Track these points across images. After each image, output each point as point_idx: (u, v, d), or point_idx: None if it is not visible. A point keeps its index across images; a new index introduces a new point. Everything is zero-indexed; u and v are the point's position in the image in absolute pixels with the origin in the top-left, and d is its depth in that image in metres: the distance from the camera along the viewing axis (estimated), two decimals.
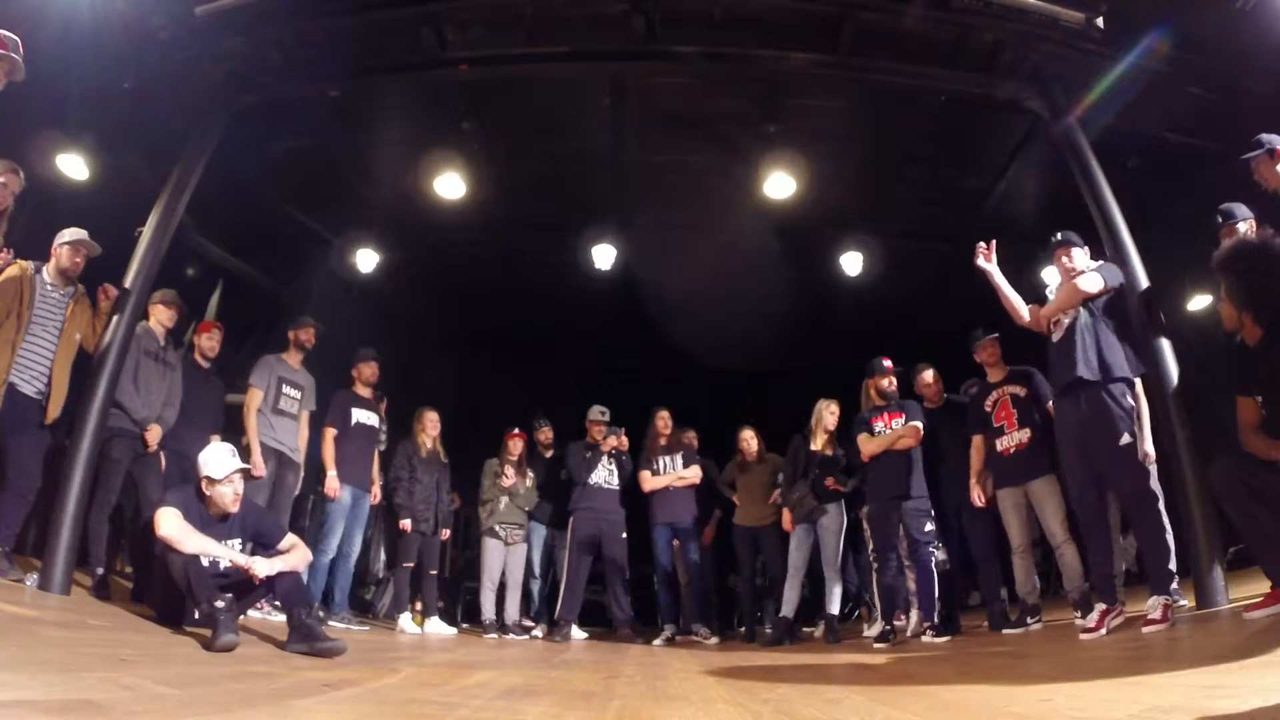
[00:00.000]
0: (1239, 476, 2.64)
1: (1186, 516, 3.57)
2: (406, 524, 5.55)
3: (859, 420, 4.90)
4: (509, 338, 9.05)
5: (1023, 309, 3.88)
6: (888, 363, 4.91)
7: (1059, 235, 3.81)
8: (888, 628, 4.55)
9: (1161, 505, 3.45)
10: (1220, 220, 3.44)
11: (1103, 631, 3.25)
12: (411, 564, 5.63)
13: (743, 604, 5.99)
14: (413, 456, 5.69)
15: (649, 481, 5.82)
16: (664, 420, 5.95)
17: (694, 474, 5.84)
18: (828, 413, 5.29)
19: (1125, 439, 3.36)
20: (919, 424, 4.67)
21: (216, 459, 3.36)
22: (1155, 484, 3.53)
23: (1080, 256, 3.72)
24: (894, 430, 4.70)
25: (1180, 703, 1.62)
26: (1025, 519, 4.24)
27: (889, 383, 4.85)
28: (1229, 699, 1.57)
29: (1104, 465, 3.40)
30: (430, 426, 5.79)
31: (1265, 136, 3.31)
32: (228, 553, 3.21)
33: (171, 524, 3.09)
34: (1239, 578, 3.60)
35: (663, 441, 5.91)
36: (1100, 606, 3.35)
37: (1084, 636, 3.27)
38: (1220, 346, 2.87)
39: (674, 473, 5.83)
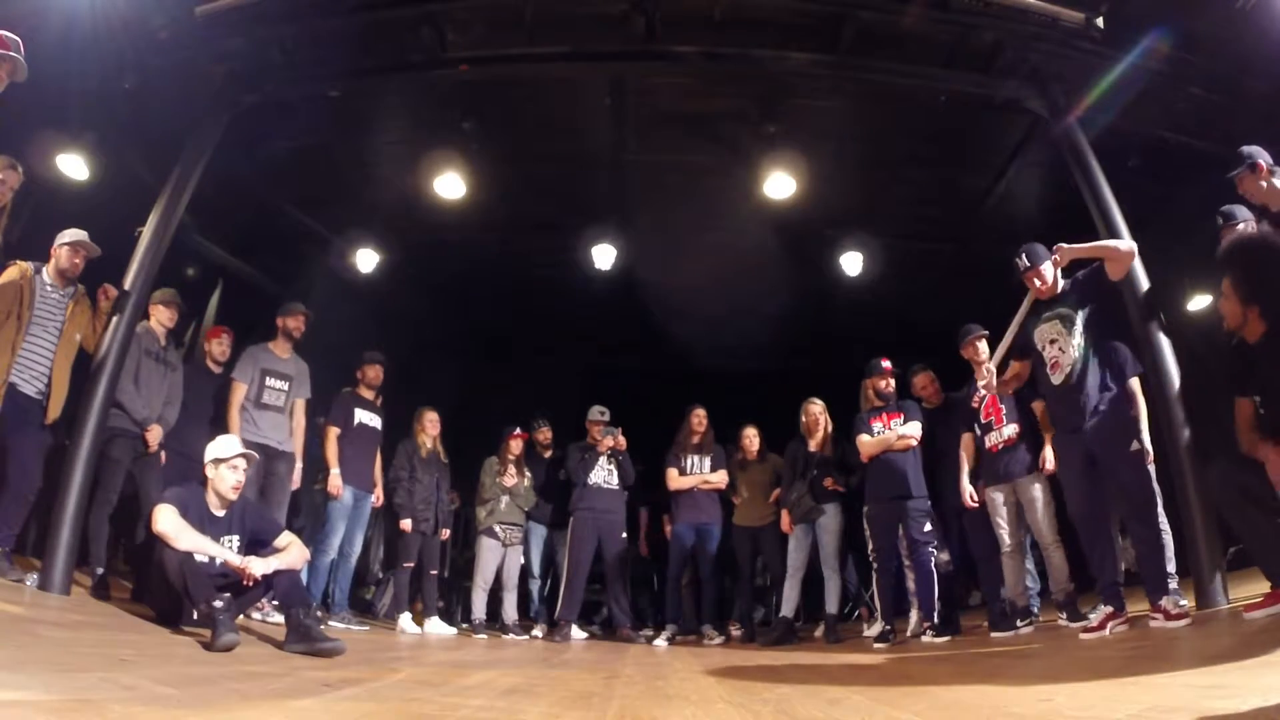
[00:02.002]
0: (1236, 480, 2.64)
1: (1186, 517, 3.57)
2: (407, 524, 5.55)
3: (858, 421, 4.91)
4: (509, 337, 9.05)
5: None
6: (886, 364, 4.92)
7: (1025, 259, 3.54)
8: (888, 628, 4.55)
9: (1161, 511, 3.44)
10: (1221, 221, 3.44)
11: (1104, 632, 3.25)
12: (411, 564, 5.64)
13: (743, 604, 5.99)
14: (413, 456, 5.69)
15: (675, 480, 5.77)
16: (700, 419, 5.87)
17: (720, 479, 5.78)
18: (807, 415, 5.31)
19: (1134, 445, 3.36)
20: (918, 423, 4.68)
21: (222, 442, 3.50)
22: (1155, 491, 3.52)
23: (1049, 272, 3.54)
24: (893, 430, 4.71)
25: (1180, 703, 1.62)
26: (1015, 519, 4.24)
27: (886, 384, 4.87)
28: (1229, 699, 1.57)
29: (1110, 469, 3.39)
30: (430, 426, 5.78)
31: (1246, 150, 3.27)
32: (223, 552, 3.21)
33: (167, 520, 3.09)
34: (1239, 578, 3.60)
35: (695, 440, 5.85)
36: (1106, 609, 3.35)
37: (1084, 636, 3.28)
38: (1222, 345, 2.84)
39: (700, 474, 5.79)
